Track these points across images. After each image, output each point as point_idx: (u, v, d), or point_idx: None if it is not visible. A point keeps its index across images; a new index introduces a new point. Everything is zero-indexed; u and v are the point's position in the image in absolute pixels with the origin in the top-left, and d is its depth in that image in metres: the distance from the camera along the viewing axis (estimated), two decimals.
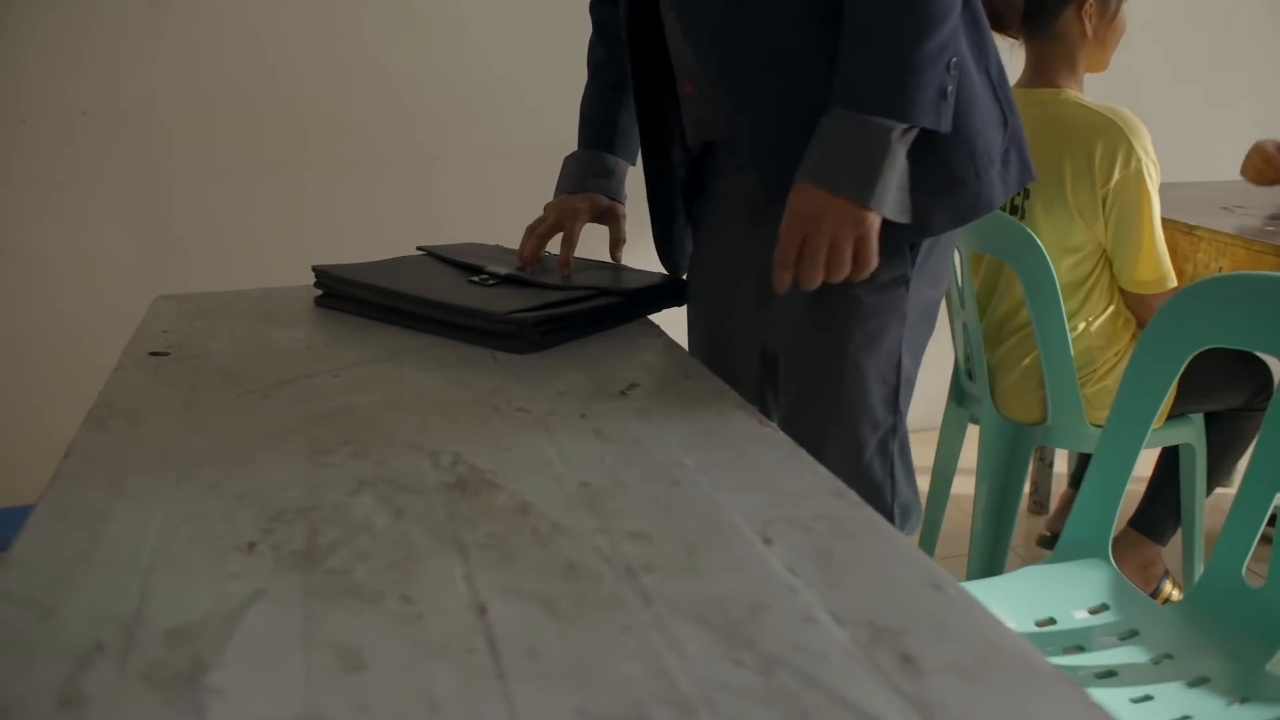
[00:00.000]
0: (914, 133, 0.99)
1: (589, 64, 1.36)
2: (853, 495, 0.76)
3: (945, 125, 1.00)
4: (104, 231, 2.21)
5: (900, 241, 1.07)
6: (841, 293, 1.06)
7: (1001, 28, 1.68)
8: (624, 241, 1.34)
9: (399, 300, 1.20)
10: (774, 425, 0.91)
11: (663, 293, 1.27)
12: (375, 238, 2.28)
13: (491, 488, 0.78)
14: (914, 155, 1.00)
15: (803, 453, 0.85)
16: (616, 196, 1.31)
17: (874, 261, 1.00)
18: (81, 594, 0.62)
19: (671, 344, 1.16)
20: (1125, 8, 1.70)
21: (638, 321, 1.23)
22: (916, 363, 1.16)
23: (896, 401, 1.14)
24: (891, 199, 0.98)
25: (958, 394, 2.00)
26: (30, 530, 0.71)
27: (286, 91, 2.21)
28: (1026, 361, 1.76)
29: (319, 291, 1.31)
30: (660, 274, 1.30)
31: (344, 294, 1.27)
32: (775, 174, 1.05)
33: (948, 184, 1.06)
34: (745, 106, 1.09)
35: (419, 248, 1.44)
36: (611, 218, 1.31)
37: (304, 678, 0.54)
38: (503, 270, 1.28)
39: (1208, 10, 2.80)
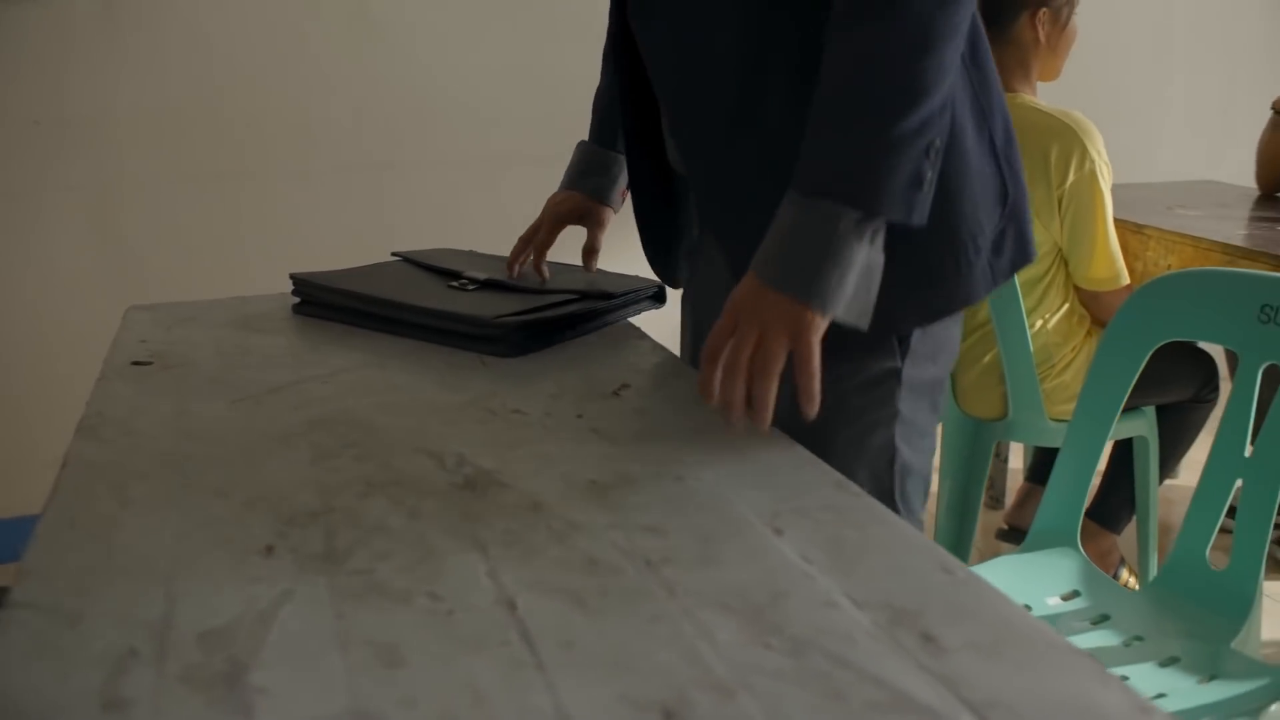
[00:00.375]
0: (877, 222, 0.83)
1: (604, 52, 1.24)
2: (853, 487, 0.79)
3: (919, 218, 0.85)
4: (60, 242, 2.17)
5: (881, 335, 0.93)
6: (825, 390, 0.86)
7: None
8: (596, 251, 1.27)
9: (382, 307, 1.20)
10: None
11: (643, 296, 1.29)
12: (331, 245, 2.26)
13: (501, 487, 0.79)
14: (885, 244, 0.86)
15: (798, 447, 0.87)
16: (605, 199, 1.25)
17: (814, 368, 0.83)
18: (106, 601, 0.62)
19: (656, 346, 1.18)
20: (1076, 16, 1.76)
21: (620, 325, 1.25)
22: (921, 448, 1.04)
23: (892, 497, 1.02)
24: (843, 298, 0.83)
25: None
26: (41, 540, 0.70)
27: (242, 99, 2.19)
28: (987, 359, 1.81)
29: (296, 299, 1.31)
30: (638, 277, 1.31)
31: (324, 301, 1.27)
32: (734, 249, 0.94)
33: (921, 279, 0.94)
34: (703, 169, 1.00)
35: (394, 253, 1.44)
36: (593, 222, 1.27)
37: (345, 675, 0.55)
38: (481, 275, 1.29)
39: (1148, 16, 2.90)
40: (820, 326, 0.83)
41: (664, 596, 0.63)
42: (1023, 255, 1.00)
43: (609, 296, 1.25)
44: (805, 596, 0.63)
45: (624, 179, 1.26)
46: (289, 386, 1.03)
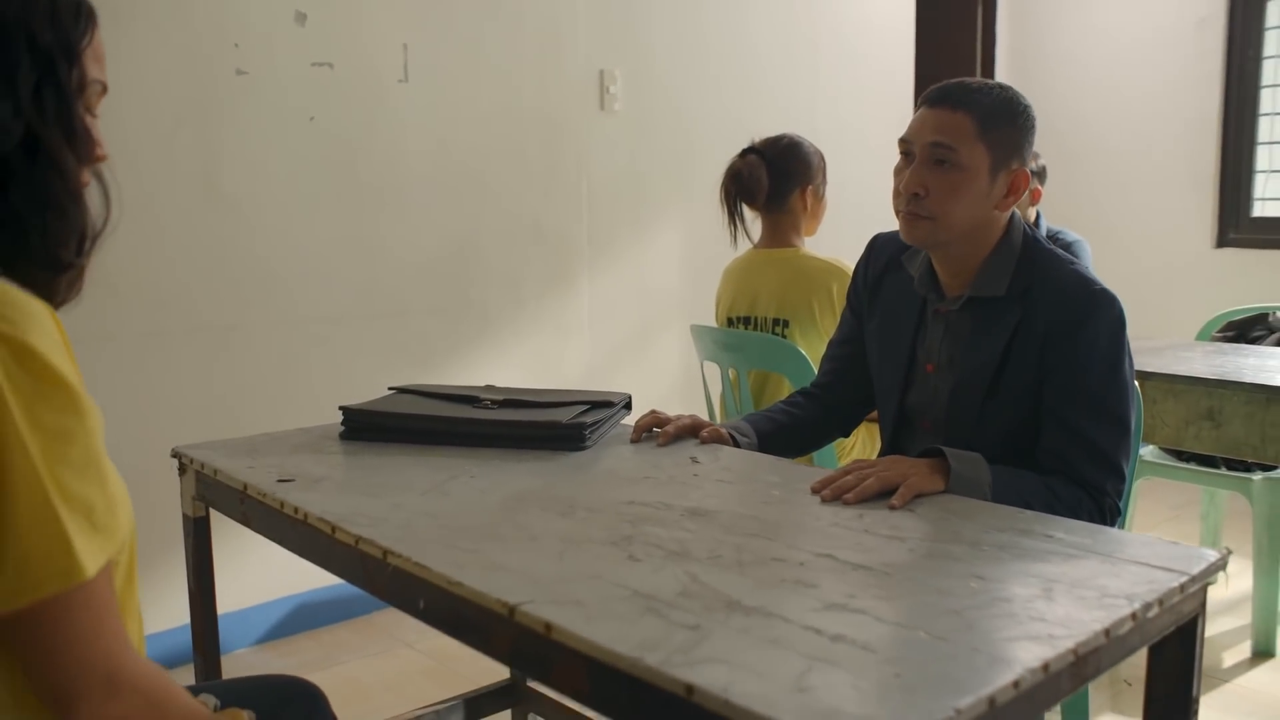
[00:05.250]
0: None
1: (809, 392, 1.74)
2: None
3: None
4: None
5: None
6: None
7: (751, 203, 2.31)
8: (705, 439, 1.50)
9: (458, 425, 1.46)
10: (808, 461, 1.35)
11: (624, 403, 1.65)
12: (185, 402, 2.33)
13: (716, 513, 1.12)
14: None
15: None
16: (732, 434, 1.53)
17: (909, 495, 1.15)
18: (605, 604, 0.89)
19: (655, 433, 1.52)
20: (827, 191, 2.41)
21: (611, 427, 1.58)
22: None
23: None
24: (952, 488, 1.22)
25: None
26: (457, 573, 0.93)
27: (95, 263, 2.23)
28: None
29: (343, 427, 1.52)
30: (604, 391, 1.67)
31: (382, 425, 1.49)
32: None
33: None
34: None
35: (391, 387, 1.68)
36: (699, 435, 1.51)
37: (802, 587, 0.89)
38: (499, 397, 1.59)
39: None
40: (927, 490, 1.20)
41: (910, 546, 1.02)
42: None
43: (610, 404, 1.61)
44: (971, 549, 1.05)
45: (744, 441, 1.57)
46: (448, 482, 1.26)
